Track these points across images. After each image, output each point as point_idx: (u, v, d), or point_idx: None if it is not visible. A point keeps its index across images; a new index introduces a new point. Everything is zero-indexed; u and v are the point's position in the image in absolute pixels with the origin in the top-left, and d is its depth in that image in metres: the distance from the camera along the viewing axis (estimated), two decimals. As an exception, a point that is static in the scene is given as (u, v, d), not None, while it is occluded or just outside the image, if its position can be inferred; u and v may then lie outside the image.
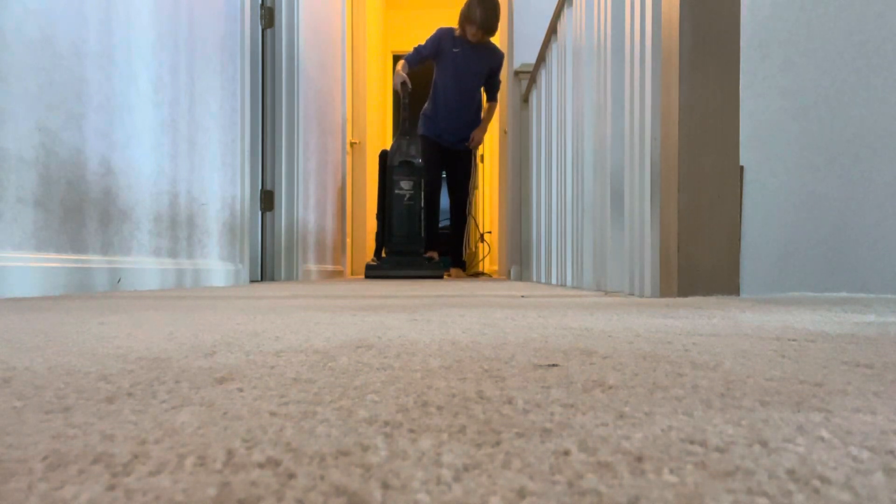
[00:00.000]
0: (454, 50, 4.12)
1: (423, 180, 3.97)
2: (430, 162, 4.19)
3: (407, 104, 3.98)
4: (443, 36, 4.17)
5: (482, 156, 6.70)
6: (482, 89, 4.29)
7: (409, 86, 3.98)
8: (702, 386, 0.39)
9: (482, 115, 4.34)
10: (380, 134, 6.59)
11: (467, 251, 5.40)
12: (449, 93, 4.20)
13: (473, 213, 6.60)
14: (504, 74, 4.28)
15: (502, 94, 4.39)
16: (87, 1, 1.73)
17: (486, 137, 6.41)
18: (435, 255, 4.23)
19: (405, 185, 3.93)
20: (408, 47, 4.76)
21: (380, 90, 6.60)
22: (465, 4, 4.06)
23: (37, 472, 0.24)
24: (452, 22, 4.29)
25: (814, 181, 3.07)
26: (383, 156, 4.07)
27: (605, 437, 0.28)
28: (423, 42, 4.22)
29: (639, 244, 1.58)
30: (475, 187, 7.26)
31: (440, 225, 4.53)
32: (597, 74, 2.06)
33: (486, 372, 0.44)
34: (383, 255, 4.06)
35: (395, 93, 4.09)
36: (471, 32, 4.03)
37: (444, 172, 4.44)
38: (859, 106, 3.04)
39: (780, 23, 3.07)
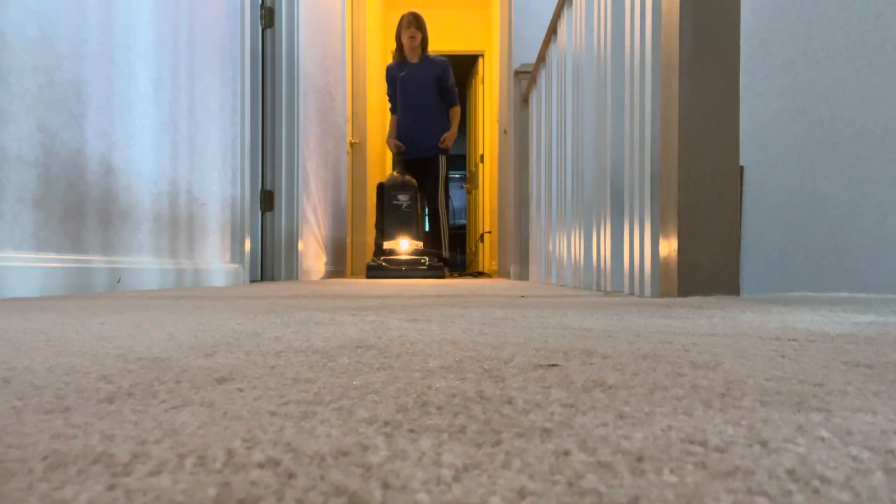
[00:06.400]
0: (400, 74, 4.63)
1: (417, 194, 4.37)
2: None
3: (401, 159, 4.58)
4: (390, 69, 4.74)
5: (482, 155, 6.70)
6: (442, 100, 4.69)
7: (403, 147, 4.57)
8: (702, 386, 0.39)
9: (450, 118, 4.74)
10: (380, 134, 6.59)
11: (466, 251, 5.43)
12: (405, 113, 4.64)
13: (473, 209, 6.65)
14: (503, 74, 4.30)
15: (502, 95, 4.43)
16: (87, 1, 1.73)
17: (486, 137, 6.42)
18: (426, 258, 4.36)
19: (402, 197, 4.33)
20: (408, 47, 4.82)
21: (380, 90, 6.59)
22: (398, 25, 4.63)
23: (37, 472, 0.24)
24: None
25: (814, 181, 3.07)
26: (380, 187, 4.50)
27: (605, 437, 0.28)
28: None
29: (639, 244, 1.58)
30: (475, 188, 7.27)
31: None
32: (597, 75, 2.06)
33: (486, 372, 0.44)
34: (382, 257, 4.21)
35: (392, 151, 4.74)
36: (407, 36, 4.54)
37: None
38: (859, 106, 3.04)
39: (780, 23, 3.07)
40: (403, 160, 4.57)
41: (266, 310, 1.04)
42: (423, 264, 4.21)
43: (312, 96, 3.86)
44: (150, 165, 2.07)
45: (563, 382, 0.41)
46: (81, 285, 1.67)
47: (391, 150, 4.67)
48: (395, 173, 4.44)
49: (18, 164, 1.47)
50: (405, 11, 4.71)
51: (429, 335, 0.66)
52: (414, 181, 4.37)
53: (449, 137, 4.68)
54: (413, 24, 4.52)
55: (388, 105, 4.80)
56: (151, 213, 2.08)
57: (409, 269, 4.17)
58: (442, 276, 4.24)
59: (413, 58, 4.57)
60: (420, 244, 4.34)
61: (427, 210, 4.74)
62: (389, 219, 4.30)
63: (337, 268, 4.72)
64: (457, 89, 4.76)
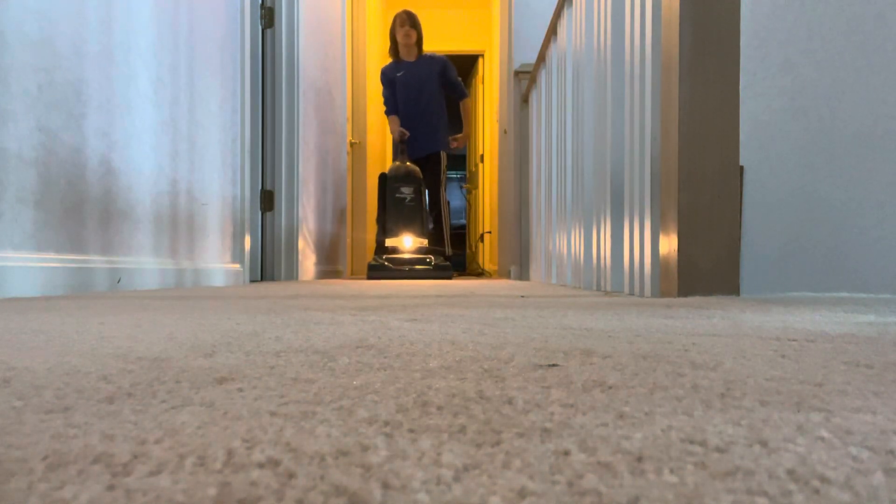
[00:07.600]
0: (398, 74, 4.56)
1: (421, 187, 4.18)
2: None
3: (405, 147, 4.42)
4: (386, 71, 4.67)
5: (482, 155, 6.70)
6: (443, 96, 4.65)
7: (407, 134, 4.44)
8: (702, 386, 0.39)
9: (461, 114, 4.73)
10: (380, 134, 6.58)
11: (466, 251, 5.36)
12: (406, 112, 4.57)
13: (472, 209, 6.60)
14: (503, 74, 4.30)
15: (502, 95, 4.43)
16: (87, 1, 1.73)
17: (486, 137, 6.41)
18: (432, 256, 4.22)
19: (406, 189, 4.09)
20: (408, 47, 4.81)
21: (380, 90, 6.60)
22: (392, 23, 4.59)
23: (37, 472, 0.24)
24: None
25: (814, 181, 3.07)
26: (382, 177, 4.31)
27: (605, 437, 0.28)
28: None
29: (639, 244, 1.58)
30: (475, 188, 7.27)
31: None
32: (597, 74, 2.06)
33: (486, 372, 0.44)
34: (384, 256, 4.04)
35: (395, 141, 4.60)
36: (402, 34, 4.49)
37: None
38: (859, 106, 3.04)
39: (780, 23, 3.07)
40: (406, 159, 4.48)
41: (266, 310, 1.04)
42: (429, 263, 3.89)
43: (312, 96, 3.86)
44: (150, 165, 2.07)
45: (563, 382, 0.41)
46: (81, 285, 1.67)
47: (395, 137, 4.51)
48: (398, 162, 4.19)
49: (18, 163, 1.47)
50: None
51: (429, 335, 0.66)
52: (418, 171, 4.15)
53: (462, 139, 4.67)
54: (407, 22, 4.48)
55: (384, 108, 4.75)
56: (151, 213, 2.08)
57: (413, 269, 3.86)
58: (450, 277, 3.93)
59: (409, 56, 4.53)
60: (425, 242, 4.04)
61: (430, 207, 4.63)
62: (392, 214, 4.00)
63: (337, 268, 4.72)
64: (460, 79, 4.71)
